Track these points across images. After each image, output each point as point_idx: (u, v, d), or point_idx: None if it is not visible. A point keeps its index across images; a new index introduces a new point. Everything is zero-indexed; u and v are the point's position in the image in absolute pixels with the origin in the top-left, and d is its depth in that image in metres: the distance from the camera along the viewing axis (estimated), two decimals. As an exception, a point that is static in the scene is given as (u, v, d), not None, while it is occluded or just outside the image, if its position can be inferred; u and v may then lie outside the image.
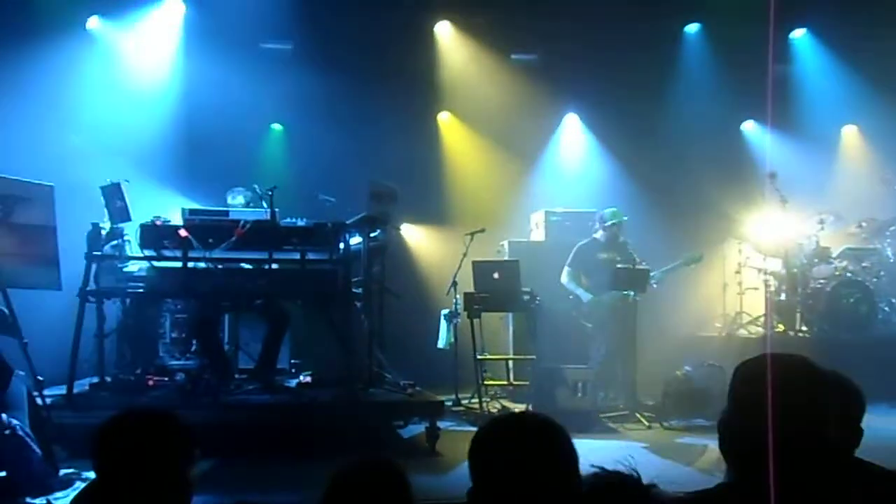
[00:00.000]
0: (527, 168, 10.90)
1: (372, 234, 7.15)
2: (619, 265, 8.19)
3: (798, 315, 9.41)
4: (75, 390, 6.34)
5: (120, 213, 6.82)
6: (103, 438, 2.26)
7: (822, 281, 9.47)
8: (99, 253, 6.59)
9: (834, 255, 9.74)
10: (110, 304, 6.94)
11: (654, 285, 8.38)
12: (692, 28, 11.34)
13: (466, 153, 11.21)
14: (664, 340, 9.78)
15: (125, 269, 6.89)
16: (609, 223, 8.44)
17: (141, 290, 6.81)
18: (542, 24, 10.64)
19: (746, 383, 1.84)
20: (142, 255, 6.67)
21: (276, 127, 10.89)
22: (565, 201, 10.22)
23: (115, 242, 6.77)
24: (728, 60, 10.77)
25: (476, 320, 8.03)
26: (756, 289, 10.04)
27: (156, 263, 6.70)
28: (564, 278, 8.54)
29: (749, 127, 11.81)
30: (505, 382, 8.88)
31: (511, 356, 9.09)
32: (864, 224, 9.95)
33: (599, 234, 8.56)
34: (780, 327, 9.43)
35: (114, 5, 9.75)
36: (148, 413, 2.38)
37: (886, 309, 9.61)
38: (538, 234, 10.04)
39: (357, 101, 10.23)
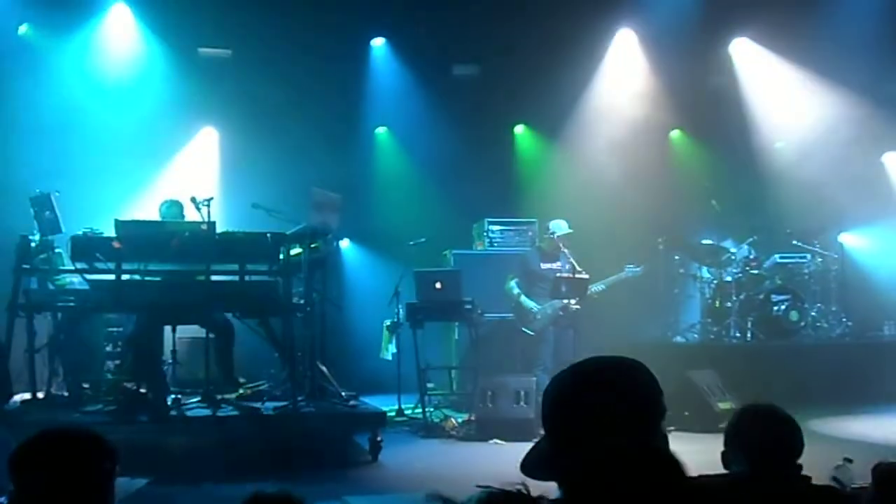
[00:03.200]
0: (469, 179, 10.92)
1: (313, 245, 7.07)
2: (555, 274, 8.36)
3: (732, 322, 9.67)
4: (6, 407, 6.12)
5: (50, 224, 6.62)
6: (17, 463, 2.25)
7: (754, 288, 9.76)
8: (28, 266, 6.38)
9: (766, 263, 10.04)
10: (41, 317, 6.72)
11: (596, 297, 8.62)
12: (624, 33, 11.44)
13: (406, 166, 11.20)
14: (603, 349, 9.91)
15: (57, 282, 6.69)
16: (552, 234, 8.60)
17: (73, 304, 6.61)
18: (483, 35, 10.73)
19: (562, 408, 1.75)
20: (73, 267, 6.48)
21: (209, 128, 10.64)
22: (509, 212, 10.28)
23: (44, 255, 6.57)
24: (659, 67, 11.03)
25: (419, 330, 8.03)
26: (691, 296, 10.31)
27: (88, 276, 6.51)
28: (510, 287, 8.65)
29: (675, 136, 12.04)
30: (448, 392, 8.89)
31: (454, 366, 9.11)
32: (794, 233, 10.27)
33: (545, 245, 8.72)
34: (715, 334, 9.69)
35: (50, 12, 9.49)
36: (63, 434, 2.37)
37: (815, 315, 9.93)
38: (481, 245, 10.09)
39: (296, 111, 10.18)
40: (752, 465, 2.47)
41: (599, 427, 1.67)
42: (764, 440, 2.49)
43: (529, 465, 1.76)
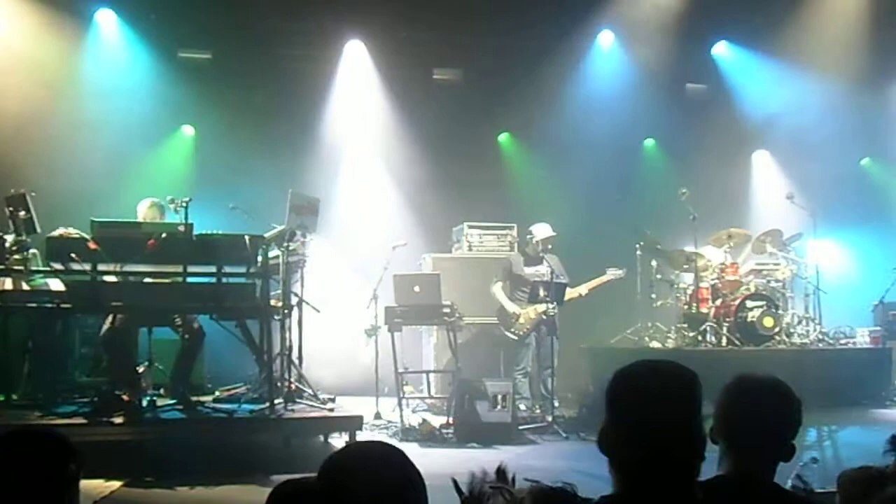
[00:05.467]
0: (448, 184, 10.92)
1: (291, 248, 7.05)
2: (537, 279, 8.39)
3: (708, 327, 9.75)
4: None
5: (25, 224, 6.55)
6: None
7: (729, 294, 9.85)
8: (2, 266, 6.31)
9: (741, 269, 10.15)
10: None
11: (581, 298, 8.78)
12: (605, 39, 11.50)
13: (385, 169, 11.18)
14: (581, 353, 10.01)
15: (32, 283, 6.62)
16: (534, 238, 8.64)
17: (48, 305, 6.54)
18: (463, 41, 10.77)
19: (622, 392, 1.90)
20: (49, 268, 6.42)
21: (188, 131, 10.58)
22: (489, 216, 10.29)
23: (19, 256, 6.50)
24: (639, 75, 11.12)
25: (397, 333, 8.02)
26: (668, 302, 10.39)
27: (63, 277, 6.45)
28: (495, 289, 8.68)
29: (652, 142, 12.13)
30: (426, 395, 8.89)
31: (432, 370, 9.12)
32: (769, 239, 10.38)
33: (529, 248, 8.77)
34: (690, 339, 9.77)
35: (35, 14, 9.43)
36: (27, 434, 2.34)
37: (789, 321, 10.03)
38: (459, 249, 10.10)
39: (274, 113, 10.17)
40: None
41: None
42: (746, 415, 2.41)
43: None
